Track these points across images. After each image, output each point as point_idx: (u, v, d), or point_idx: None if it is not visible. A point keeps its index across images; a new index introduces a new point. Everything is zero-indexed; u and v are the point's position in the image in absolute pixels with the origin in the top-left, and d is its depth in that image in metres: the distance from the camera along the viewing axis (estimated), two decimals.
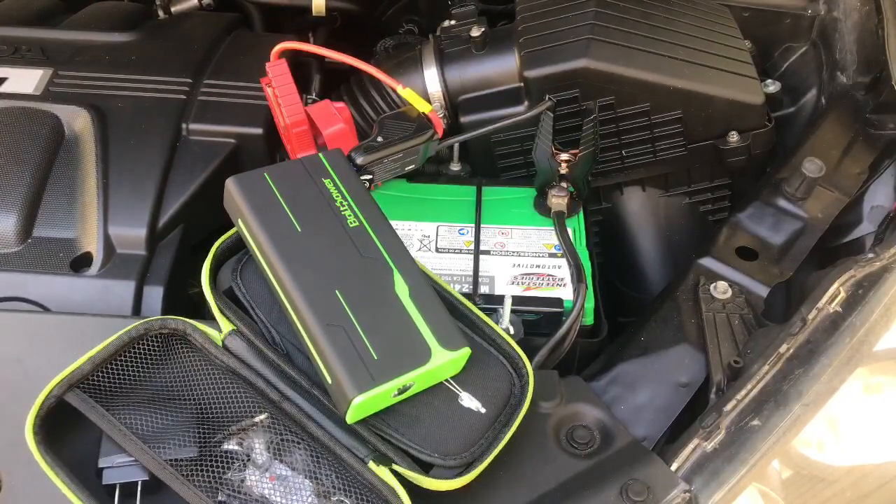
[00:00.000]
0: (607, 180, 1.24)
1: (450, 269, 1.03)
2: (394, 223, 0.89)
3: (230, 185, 0.86)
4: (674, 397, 0.91)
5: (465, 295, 0.95)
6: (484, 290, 1.00)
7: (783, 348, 0.88)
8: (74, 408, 0.78)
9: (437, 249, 1.05)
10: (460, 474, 0.77)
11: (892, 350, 0.89)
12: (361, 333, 0.78)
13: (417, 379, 0.78)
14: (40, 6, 1.34)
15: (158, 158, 1.06)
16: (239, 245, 0.89)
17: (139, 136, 1.08)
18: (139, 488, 0.77)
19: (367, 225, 0.85)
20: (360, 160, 0.99)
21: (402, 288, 0.82)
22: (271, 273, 0.82)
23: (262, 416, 0.79)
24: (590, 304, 0.99)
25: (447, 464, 0.77)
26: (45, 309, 0.95)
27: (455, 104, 1.20)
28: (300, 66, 1.24)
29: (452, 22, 1.26)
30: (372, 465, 0.77)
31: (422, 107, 1.05)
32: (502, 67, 1.17)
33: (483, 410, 0.82)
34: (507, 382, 0.84)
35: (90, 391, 0.79)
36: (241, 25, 1.36)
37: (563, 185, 1.08)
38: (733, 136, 1.17)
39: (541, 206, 1.10)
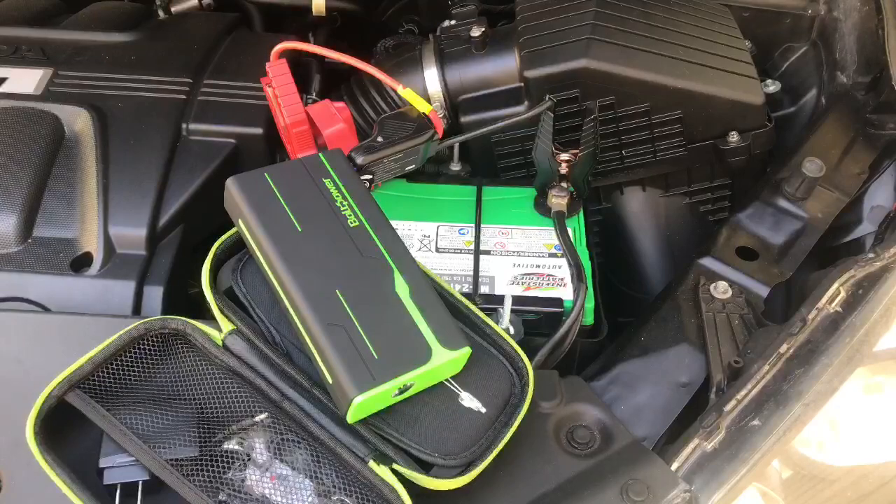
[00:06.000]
0: (607, 180, 1.24)
1: (450, 269, 1.03)
2: (394, 223, 0.89)
3: (230, 185, 0.86)
4: (674, 397, 0.91)
5: (466, 295, 0.94)
6: (484, 290, 1.00)
7: (783, 348, 0.88)
8: (75, 408, 0.78)
9: (437, 249, 1.05)
10: (460, 474, 0.77)
11: (892, 350, 0.89)
12: (362, 333, 0.78)
13: (418, 378, 0.78)
14: (40, 6, 1.33)
15: (158, 158, 1.06)
16: (239, 245, 0.89)
17: (139, 136, 1.08)
18: (140, 488, 0.77)
19: (367, 225, 0.85)
20: (360, 160, 0.99)
21: (402, 288, 0.82)
22: (271, 273, 0.82)
23: (263, 416, 0.79)
24: (590, 304, 0.99)
25: (447, 463, 0.77)
26: (46, 309, 0.95)
27: (455, 104, 1.19)
28: (300, 66, 1.24)
29: (452, 22, 1.25)
30: (372, 464, 0.77)
31: (422, 107, 1.05)
32: (502, 67, 1.17)
33: (483, 410, 0.82)
34: (507, 382, 0.84)
35: (90, 391, 0.79)
36: (241, 25, 1.36)
37: (563, 185, 1.08)
38: (733, 136, 1.17)
39: (541, 206, 1.10)
